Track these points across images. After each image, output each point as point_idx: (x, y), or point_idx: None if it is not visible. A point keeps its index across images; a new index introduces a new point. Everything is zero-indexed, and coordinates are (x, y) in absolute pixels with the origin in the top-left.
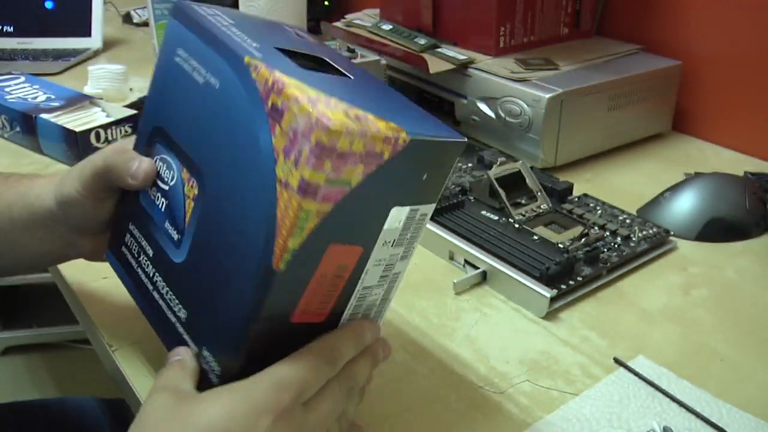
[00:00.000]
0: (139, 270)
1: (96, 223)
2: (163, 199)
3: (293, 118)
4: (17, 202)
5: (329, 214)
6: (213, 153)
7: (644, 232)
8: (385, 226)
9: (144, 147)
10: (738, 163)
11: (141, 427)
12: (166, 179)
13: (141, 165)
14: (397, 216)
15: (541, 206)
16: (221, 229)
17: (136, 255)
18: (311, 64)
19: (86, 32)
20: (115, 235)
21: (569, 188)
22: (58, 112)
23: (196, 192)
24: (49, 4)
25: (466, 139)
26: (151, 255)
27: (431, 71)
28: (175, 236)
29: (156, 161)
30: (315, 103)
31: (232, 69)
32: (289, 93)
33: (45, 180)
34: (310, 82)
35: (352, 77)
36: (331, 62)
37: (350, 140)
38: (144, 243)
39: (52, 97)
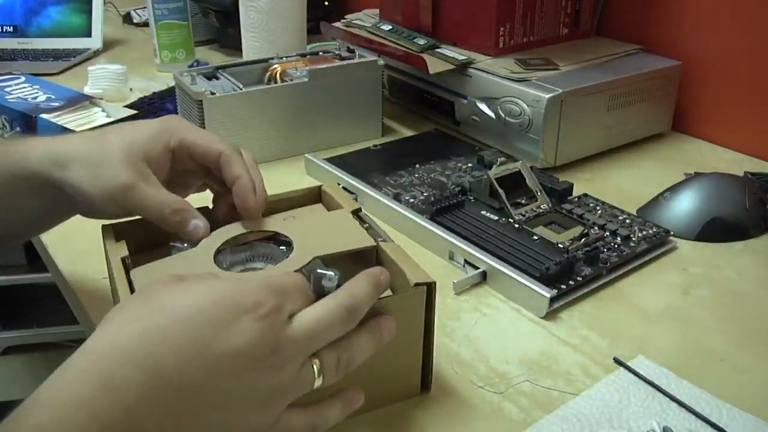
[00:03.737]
0: None
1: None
2: None
3: None
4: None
5: None
6: None
7: (644, 232)
8: None
9: None
10: (738, 163)
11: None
12: None
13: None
14: None
15: (541, 206)
16: None
17: None
18: None
19: (86, 32)
20: None
21: (569, 188)
22: (58, 112)
23: None
24: (49, 4)
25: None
26: None
27: (431, 71)
28: None
29: None
30: None
31: None
32: None
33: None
34: None
35: None
36: None
37: None
38: None
39: (52, 97)
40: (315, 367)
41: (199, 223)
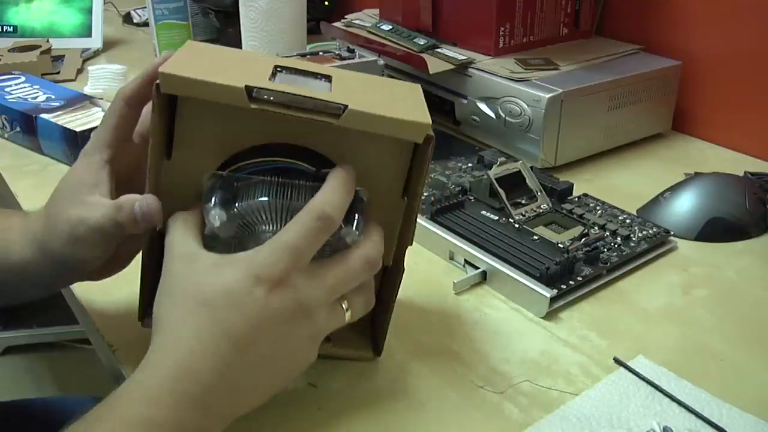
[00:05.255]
0: None
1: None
2: None
3: None
4: None
5: None
6: None
7: (644, 232)
8: None
9: None
10: (738, 163)
11: (163, 300)
12: None
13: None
14: None
15: (541, 206)
16: None
17: None
18: None
19: (86, 32)
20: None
21: (569, 188)
22: (59, 112)
23: None
24: (49, 4)
25: None
26: None
27: (431, 71)
28: None
29: None
30: None
31: None
32: None
33: (18, 227)
34: None
35: None
36: None
37: None
38: None
39: (52, 97)
40: (344, 306)
41: (143, 203)
